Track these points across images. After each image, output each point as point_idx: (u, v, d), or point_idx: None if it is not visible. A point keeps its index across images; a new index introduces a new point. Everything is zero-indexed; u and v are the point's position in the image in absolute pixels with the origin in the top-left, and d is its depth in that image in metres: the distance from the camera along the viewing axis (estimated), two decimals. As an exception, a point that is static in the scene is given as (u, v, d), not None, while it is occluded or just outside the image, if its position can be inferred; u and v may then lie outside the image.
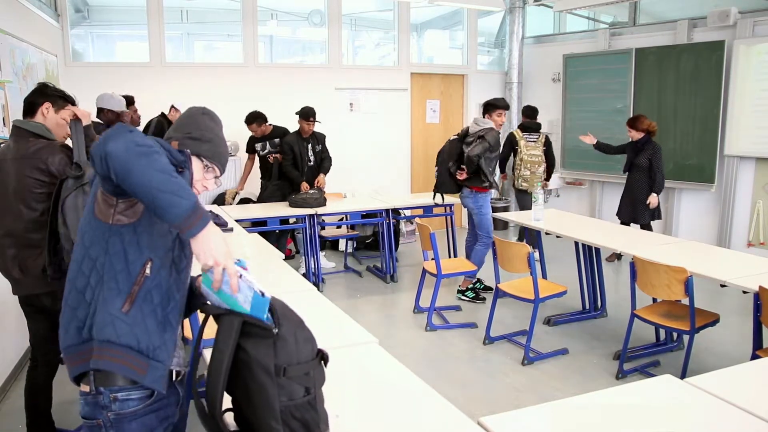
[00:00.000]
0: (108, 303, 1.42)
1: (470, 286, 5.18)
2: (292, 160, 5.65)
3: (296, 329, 1.37)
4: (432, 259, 4.54)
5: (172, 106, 5.68)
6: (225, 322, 1.37)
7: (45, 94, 2.59)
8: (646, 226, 5.82)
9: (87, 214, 1.48)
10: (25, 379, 2.71)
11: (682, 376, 1.98)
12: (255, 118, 5.85)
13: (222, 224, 4.15)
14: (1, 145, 2.69)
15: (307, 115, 5.62)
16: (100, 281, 1.43)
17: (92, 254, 1.44)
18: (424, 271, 4.77)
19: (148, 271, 1.44)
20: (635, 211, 5.78)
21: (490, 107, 5.07)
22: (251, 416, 1.36)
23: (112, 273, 1.42)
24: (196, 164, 1.62)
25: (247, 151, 6.16)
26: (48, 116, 2.58)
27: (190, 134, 1.63)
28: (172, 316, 1.51)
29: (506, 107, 5.13)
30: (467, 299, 5.12)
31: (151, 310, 1.45)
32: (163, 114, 5.81)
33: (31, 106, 2.58)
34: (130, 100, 5.10)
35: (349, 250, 6.52)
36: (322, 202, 5.40)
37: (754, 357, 2.99)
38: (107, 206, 1.42)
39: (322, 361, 1.40)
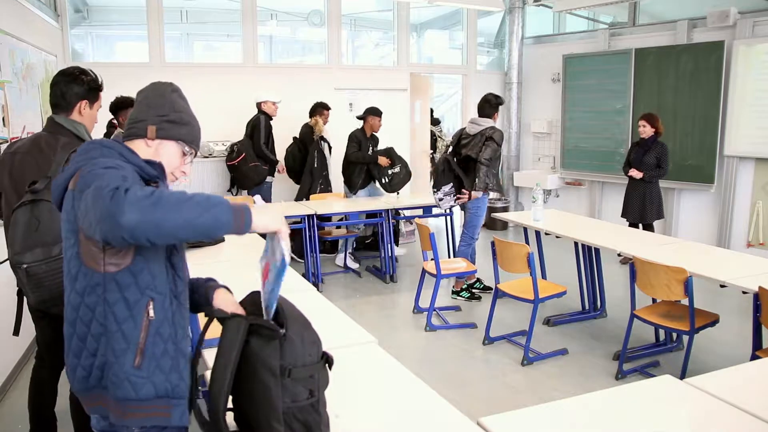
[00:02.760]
0: (119, 361, 1.36)
1: (464, 285, 5.18)
2: (358, 149, 5.97)
3: (303, 331, 1.36)
4: (432, 259, 4.54)
5: (261, 102, 5.97)
6: (231, 324, 1.37)
7: (88, 89, 2.43)
8: (649, 226, 5.83)
9: (72, 258, 1.38)
10: (31, 375, 2.70)
11: (682, 377, 1.98)
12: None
13: None
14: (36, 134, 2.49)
15: (379, 112, 6.03)
16: (104, 333, 1.36)
17: (89, 303, 1.37)
18: (424, 272, 4.77)
19: (151, 312, 1.38)
20: (644, 210, 5.77)
21: (498, 106, 5.07)
22: (253, 416, 1.36)
23: (115, 326, 1.35)
24: (175, 149, 1.52)
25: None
26: (85, 114, 2.45)
27: (167, 117, 1.50)
28: (183, 344, 1.47)
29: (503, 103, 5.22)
30: (463, 299, 5.12)
31: (163, 351, 1.41)
32: (261, 110, 5.99)
33: (67, 100, 2.40)
34: (128, 103, 5.08)
35: (349, 249, 6.52)
36: (408, 176, 6.07)
37: (754, 357, 2.98)
38: (97, 251, 1.34)
39: (327, 364, 1.39)
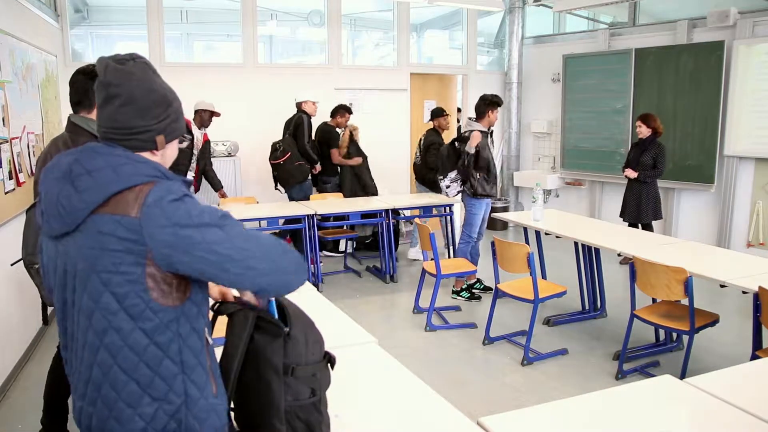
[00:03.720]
0: (203, 394, 1.27)
1: (464, 285, 5.18)
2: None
3: (307, 330, 1.36)
4: (431, 259, 4.54)
5: (302, 101, 6.05)
6: (239, 317, 1.37)
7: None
8: (647, 226, 5.83)
9: (135, 295, 1.20)
10: (51, 364, 2.72)
11: (682, 377, 1.98)
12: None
13: None
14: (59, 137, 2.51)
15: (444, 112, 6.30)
16: (182, 371, 1.24)
17: (161, 341, 1.22)
18: (424, 271, 4.77)
19: (209, 337, 1.32)
20: (639, 210, 5.78)
21: (494, 104, 5.05)
22: (254, 414, 1.35)
23: (194, 359, 1.26)
24: (176, 145, 1.38)
25: (334, 147, 6.28)
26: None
27: (169, 117, 1.31)
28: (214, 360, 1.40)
29: (501, 103, 5.17)
30: (463, 299, 5.12)
31: (217, 370, 1.36)
32: (301, 109, 6.05)
33: (90, 98, 2.36)
34: None
35: (349, 250, 6.52)
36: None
37: (754, 357, 2.99)
38: (168, 288, 1.22)
39: (329, 364, 1.39)
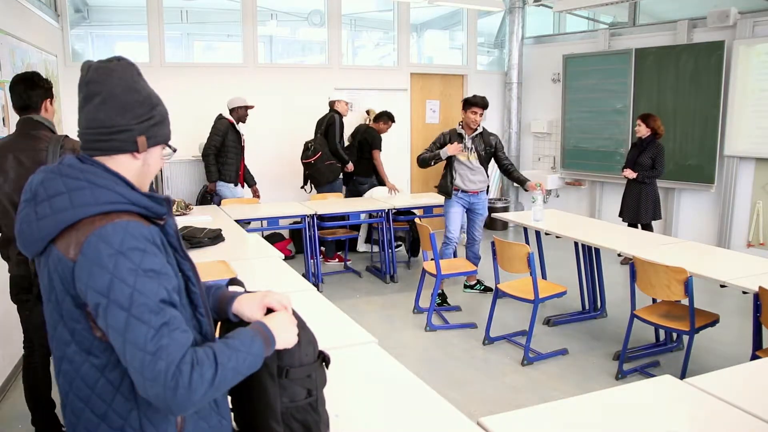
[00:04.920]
0: (159, 430, 1.19)
1: (440, 291, 5.07)
2: None
3: (299, 331, 1.35)
4: (432, 259, 4.54)
5: (335, 101, 6.21)
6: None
7: (46, 90, 2.78)
8: (647, 227, 5.83)
9: (81, 332, 1.14)
10: (22, 367, 2.73)
11: (682, 377, 1.98)
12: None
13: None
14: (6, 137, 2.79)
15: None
16: (135, 408, 1.17)
17: (111, 378, 1.15)
18: (424, 272, 4.77)
19: None
20: (638, 210, 5.78)
21: (466, 104, 4.94)
22: (252, 417, 1.36)
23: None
24: (159, 152, 1.27)
25: (377, 149, 6.37)
26: (49, 110, 2.76)
27: (152, 119, 1.22)
28: None
29: (483, 105, 4.92)
30: (478, 291, 5.30)
31: None
32: (333, 109, 6.14)
33: (34, 101, 2.71)
34: None
35: (363, 249, 6.60)
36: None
37: (754, 357, 2.99)
38: None
39: (324, 363, 1.38)
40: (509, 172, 5.17)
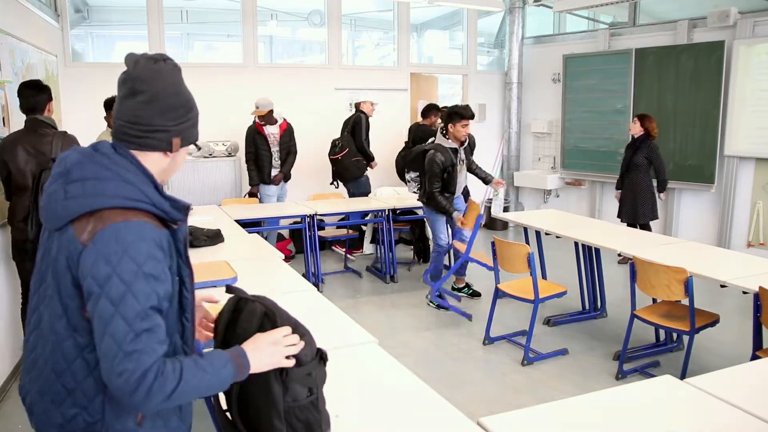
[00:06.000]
0: (120, 420, 1.26)
1: (463, 285, 5.19)
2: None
3: (296, 331, 1.36)
4: (463, 240, 4.62)
5: (361, 102, 6.38)
6: (248, 309, 1.38)
7: (48, 94, 3.42)
8: (645, 227, 5.84)
9: (74, 310, 1.21)
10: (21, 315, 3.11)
11: (682, 377, 1.98)
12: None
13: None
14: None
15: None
16: (102, 392, 1.23)
17: (89, 359, 1.22)
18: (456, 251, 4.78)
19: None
20: (636, 210, 5.79)
21: (455, 116, 4.65)
22: (255, 415, 1.36)
23: None
24: (186, 151, 1.36)
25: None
26: (52, 111, 3.47)
27: (189, 121, 1.30)
28: None
29: (473, 117, 4.73)
30: (465, 295, 5.17)
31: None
32: (359, 109, 6.31)
33: (40, 104, 3.39)
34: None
35: (369, 251, 6.60)
36: None
37: (754, 357, 2.99)
38: None
39: (322, 360, 1.39)
40: (473, 170, 5.11)
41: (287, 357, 1.29)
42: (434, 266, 5.03)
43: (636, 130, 5.73)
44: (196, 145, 1.37)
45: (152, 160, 1.27)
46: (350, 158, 6.21)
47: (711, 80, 6.19)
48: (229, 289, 1.43)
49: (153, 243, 1.17)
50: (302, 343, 1.32)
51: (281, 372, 1.31)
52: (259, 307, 1.37)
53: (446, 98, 8.41)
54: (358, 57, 8.17)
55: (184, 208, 1.28)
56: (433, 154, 4.65)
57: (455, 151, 4.73)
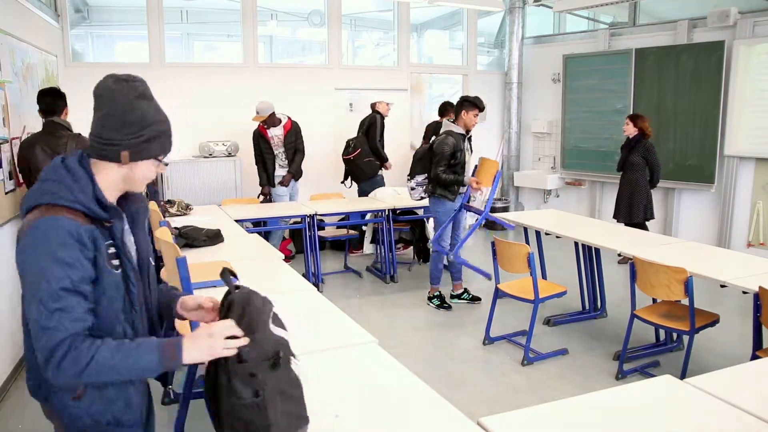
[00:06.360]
0: (58, 393, 1.42)
1: (436, 293, 4.99)
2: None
3: (259, 326, 1.34)
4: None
5: (376, 102, 6.36)
6: (230, 299, 1.42)
7: (65, 100, 3.80)
8: (641, 226, 5.84)
9: None
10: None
11: (682, 377, 1.98)
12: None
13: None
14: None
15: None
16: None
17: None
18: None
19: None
20: (630, 209, 5.80)
21: (468, 104, 4.69)
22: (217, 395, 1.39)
23: None
24: (149, 165, 1.44)
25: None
26: (67, 114, 3.82)
27: (141, 137, 1.39)
28: None
29: (482, 108, 4.78)
30: (465, 301, 5.09)
31: (105, 382, 1.42)
32: (375, 110, 6.34)
33: (60, 108, 3.76)
34: None
35: (369, 251, 6.59)
36: None
37: (754, 357, 2.98)
38: None
39: (276, 366, 1.34)
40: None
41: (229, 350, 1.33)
42: (432, 257, 5.01)
43: (630, 130, 5.75)
44: (157, 159, 1.44)
45: (108, 170, 1.41)
46: (363, 158, 6.26)
47: (711, 80, 6.19)
48: (222, 274, 1.47)
49: (66, 233, 1.30)
50: (245, 340, 1.33)
51: (226, 360, 1.33)
52: (237, 297, 1.39)
53: (442, 98, 8.40)
54: (358, 57, 8.18)
55: (113, 209, 1.40)
56: (444, 137, 4.70)
57: (463, 137, 4.78)
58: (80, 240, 1.31)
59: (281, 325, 1.41)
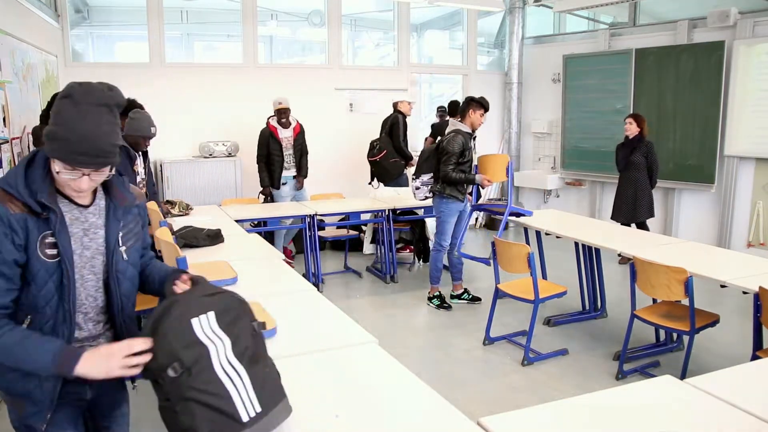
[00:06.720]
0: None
1: (437, 293, 4.99)
2: None
3: (167, 336, 1.34)
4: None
5: (398, 102, 6.37)
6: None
7: None
8: (642, 225, 5.85)
9: None
10: None
11: (682, 377, 1.98)
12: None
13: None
14: None
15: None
16: None
17: None
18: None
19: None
20: (635, 209, 5.80)
21: (476, 104, 4.71)
22: None
23: None
24: (56, 166, 1.45)
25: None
26: None
27: (54, 142, 1.43)
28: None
29: (488, 109, 4.81)
30: (465, 301, 5.09)
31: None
32: (397, 109, 6.34)
33: None
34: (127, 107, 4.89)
35: (370, 251, 6.58)
36: None
37: (754, 357, 2.98)
38: None
39: (181, 376, 1.33)
40: None
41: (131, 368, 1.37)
42: (433, 256, 5.00)
43: (633, 130, 5.74)
44: (66, 166, 1.45)
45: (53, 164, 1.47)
46: (388, 159, 6.26)
47: (711, 80, 6.20)
48: (193, 282, 1.55)
49: None
50: (147, 356, 1.35)
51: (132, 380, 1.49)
52: (163, 305, 1.42)
53: (441, 99, 8.40)
54: (358, 57, 8.18)
55: (42, 205, 1.44)
56: (453, 136, 4.70)
57: (470, 136, 4.80)
58: (10, 225, 1.40)
59: (255, 331, 1.46)
